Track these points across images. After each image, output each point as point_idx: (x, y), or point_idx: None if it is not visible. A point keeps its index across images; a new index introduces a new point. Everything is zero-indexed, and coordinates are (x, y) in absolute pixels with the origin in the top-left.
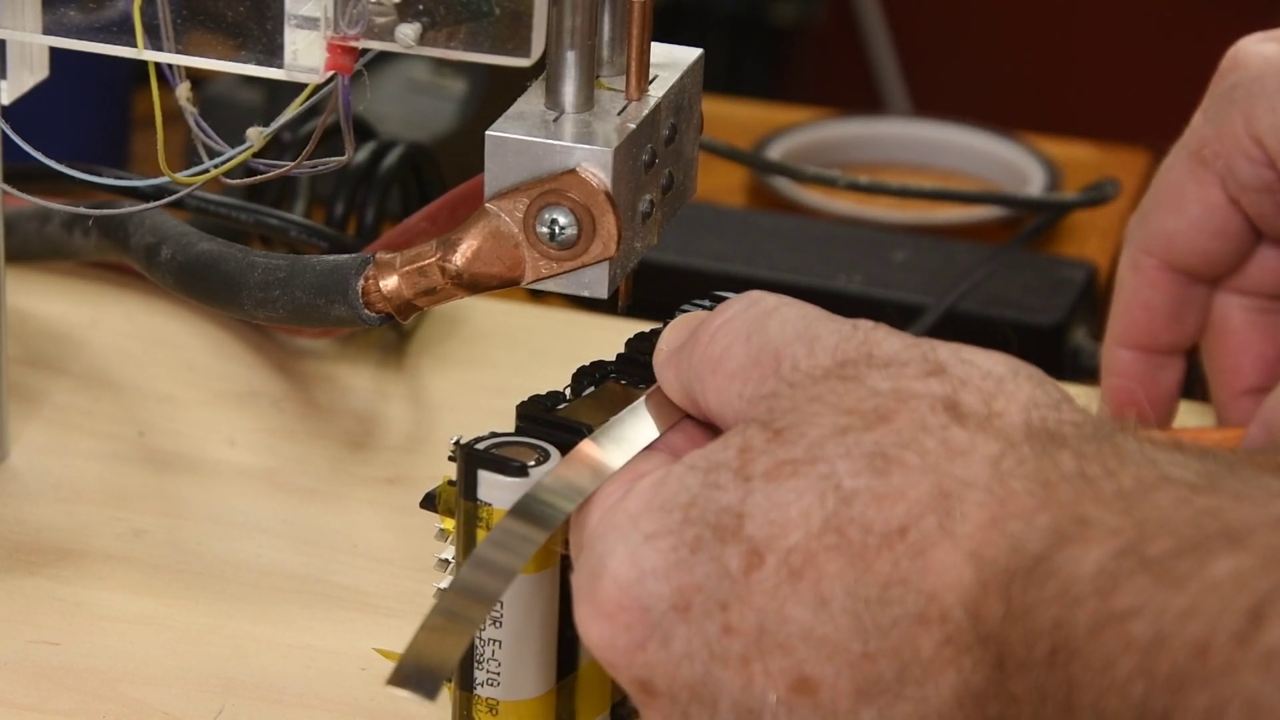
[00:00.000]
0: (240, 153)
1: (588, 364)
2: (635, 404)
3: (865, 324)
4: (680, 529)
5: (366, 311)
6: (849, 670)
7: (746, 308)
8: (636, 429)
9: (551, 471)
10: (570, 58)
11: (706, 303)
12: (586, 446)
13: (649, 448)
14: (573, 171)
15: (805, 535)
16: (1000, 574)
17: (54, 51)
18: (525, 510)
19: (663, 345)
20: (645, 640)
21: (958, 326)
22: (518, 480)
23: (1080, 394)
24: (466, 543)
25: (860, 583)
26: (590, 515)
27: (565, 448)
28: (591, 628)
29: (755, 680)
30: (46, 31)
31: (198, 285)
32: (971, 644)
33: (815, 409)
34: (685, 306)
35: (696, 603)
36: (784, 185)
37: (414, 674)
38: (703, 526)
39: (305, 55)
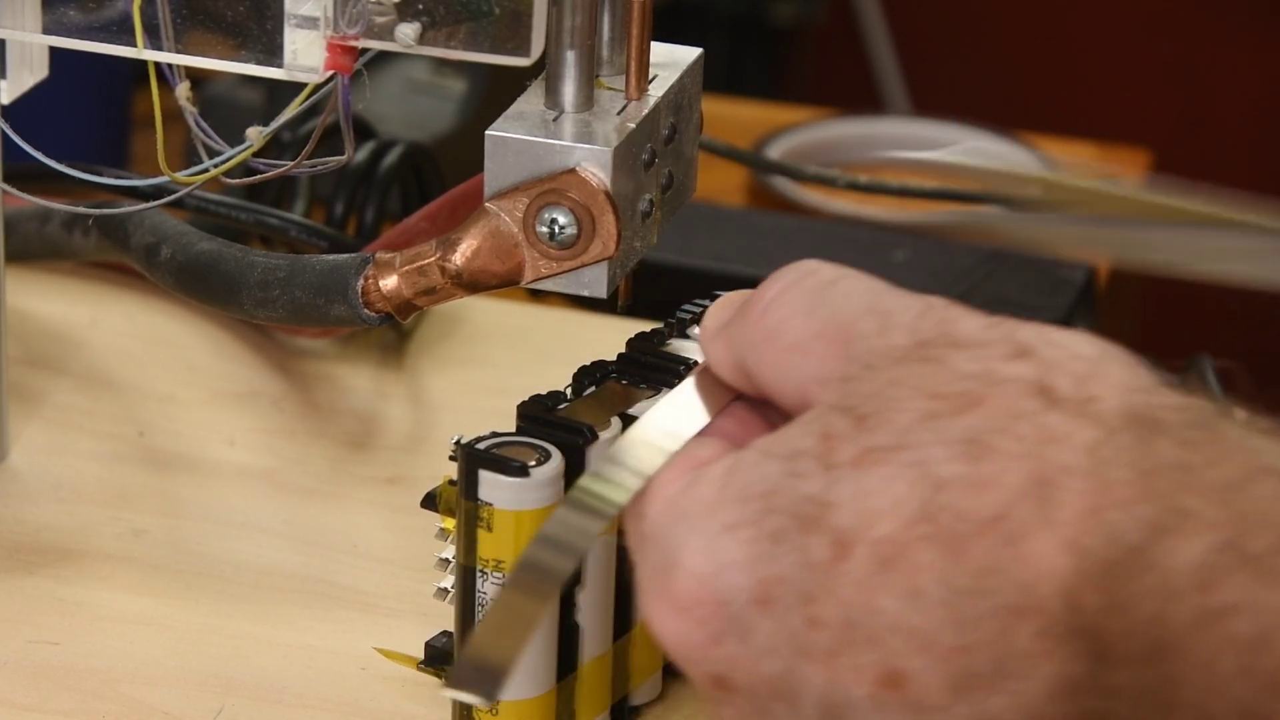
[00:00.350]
0: (240, 152)
1: (588, 364)
2: (681, 387)
3: (937, 301)
4: (760, 519)
5: (366, 311)
6: (942, 663)
7: (802, 277)
8: (685, 414)
9: (601, 460)
10: (570, 57)
11: (707, 302)
12: (636, 433)
13: (700, 433)
14: (572, 171)
15: (896, 524)
16: (1097, 565)
17: (54, 51)
18: (578, 502)
19: (709, 322)
20: (723, 634)
21: None
22: (518, 480)
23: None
24: (467, 542)
25: (954, 572)
26: (650, 505)
27: (566, 448)
28: (665, 622)
29: (841, 675)
30: (46, 31)
31: (197, 285)
32: (1068, 636)
33: (899, 393)
34: (686, 306)
35: (779, 595)
36: (784, 185)
37: (472, 675)
38: (784, 516)
39: (305, 55)
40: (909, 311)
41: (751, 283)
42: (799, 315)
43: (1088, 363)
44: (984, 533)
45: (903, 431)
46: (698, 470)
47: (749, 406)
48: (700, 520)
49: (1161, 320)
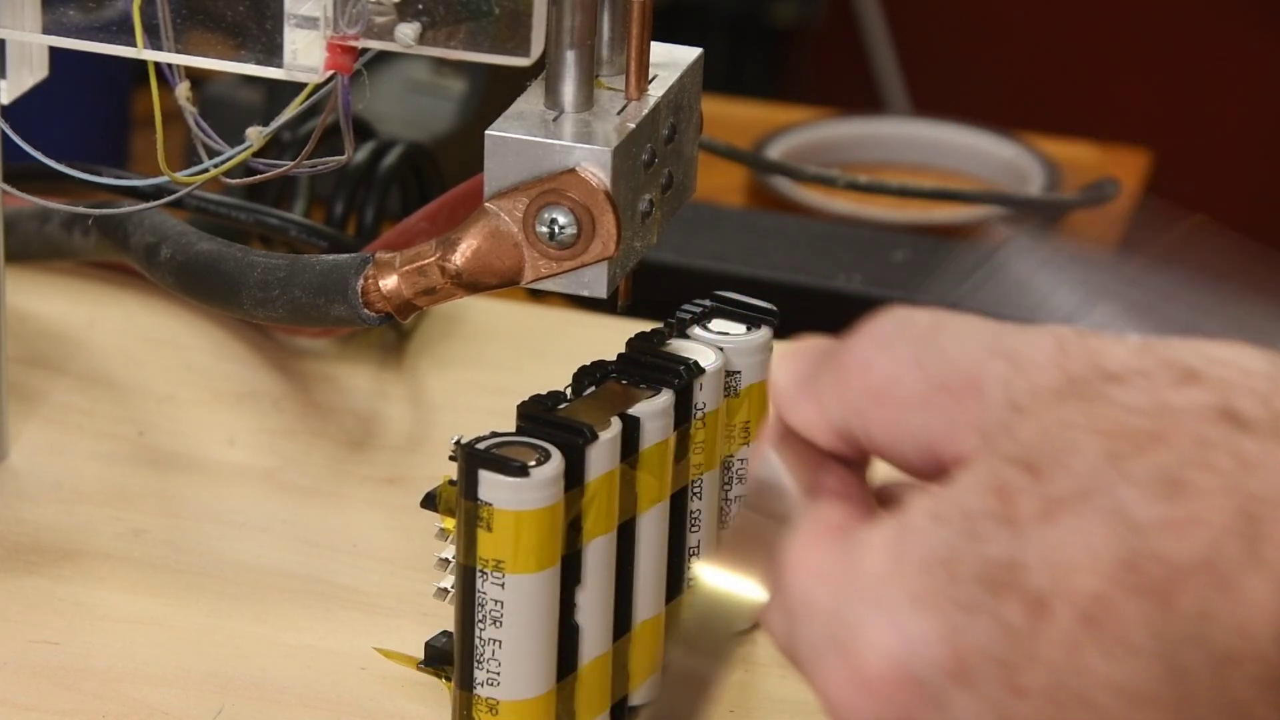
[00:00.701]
0: (240, 152)
1: (588, 364)
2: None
3: (1063, 330)
4: (947, 588)
5: (366, 311)
6: (1160, 718)
7: (899, 327)
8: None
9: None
10: (570, 57)
11: (707, 302)
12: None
13: (813, 497)
14: (572, 171)
15: (1097, 577)
16: None
17: (54, 51)
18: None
19: (783, 382)
20: (918, 713)
21: None
22: (518, 480)
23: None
24: (467, 542)
25: (1164, 622)
26: (794, 577)
27: (566, 448)
28: (851, 703)
29: None
30: (46, 31)
31: (197, 285)
32: None
33: (1071, 436)
34: (686, 306)
35: (977, 667)
36: (784, 185)
37: None
38: (972, 583)
39: (305, 55)
40: (1040, 346)
41: (751, 283)
42: (908, 368)
43: (1265, 379)
44: (1192, 577)
45: (1086, 476)
46: (839, 537)
47: (844, 465)
48: (878, 592)
49: None
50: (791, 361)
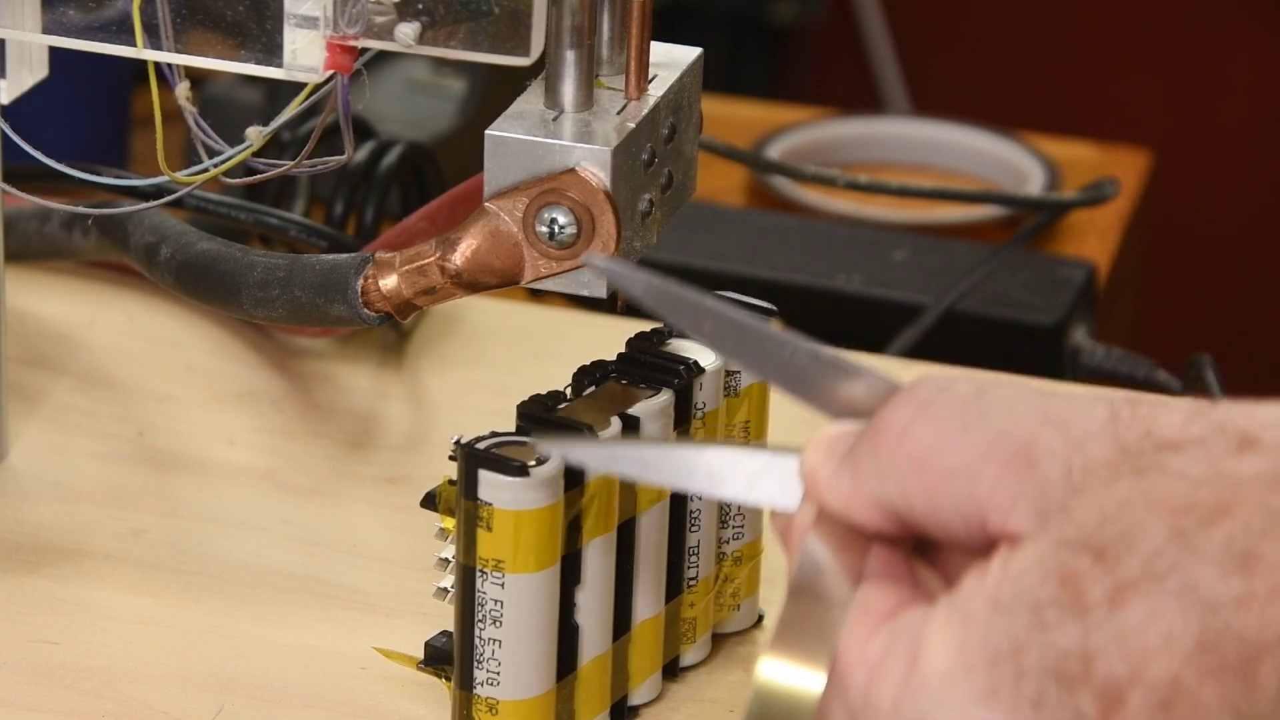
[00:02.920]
0: (239, 152)
1: (588, 364)
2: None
3: (1114, 395)
4: (1016, 683)
5: (366, 311)
6: None
7: (937, 394)
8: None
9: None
10: (570, 57)
11: None
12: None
13: (864, 581)
14: (572, 171)
15: (1174, 661)
16: None
17: (54, 51)
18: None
19: (815, 461)
20: None
21: (957, 326)
22: (518, 480)
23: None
24: (467, 542)
25: (1247, 701)
26: (853, 676)
27: None
28: None
29: None
30: (46, 31)
31: (197, 284)
32: None
33: (1134, 516)
34: None
35: None
36: (783, 185)
37: None
38: (1042, 677)
39: (304, 54)
40: (1092, 415)
41: (751, 283)
42: (953, 436)
43: None
44: (1272, 651)
45: (1153, 557)
46: (892, 626)
47: (887, 544)
48: (944, 691)
49: (1161, 320)
50: (822, 445)
